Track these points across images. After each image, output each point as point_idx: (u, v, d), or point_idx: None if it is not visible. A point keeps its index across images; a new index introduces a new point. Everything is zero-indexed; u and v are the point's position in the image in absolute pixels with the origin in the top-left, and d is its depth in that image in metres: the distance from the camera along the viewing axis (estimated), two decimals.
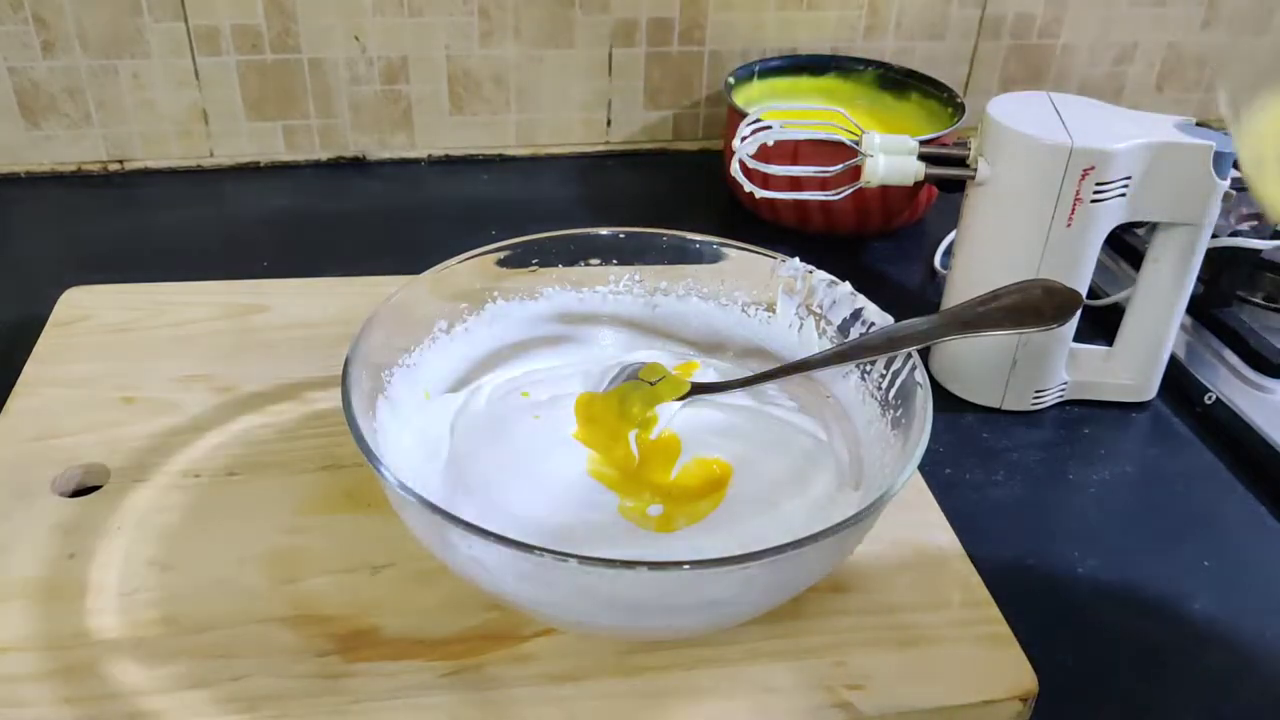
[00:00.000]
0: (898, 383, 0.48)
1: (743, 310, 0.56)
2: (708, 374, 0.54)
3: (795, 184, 0.64)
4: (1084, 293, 0.60)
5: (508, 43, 0.86)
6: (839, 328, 0.52)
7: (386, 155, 0.90)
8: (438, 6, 0.83)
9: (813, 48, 0.92)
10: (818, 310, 0.53)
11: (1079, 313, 0.60)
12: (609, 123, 0.92)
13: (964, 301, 0.49)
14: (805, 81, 0.89)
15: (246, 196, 0.84)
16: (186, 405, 0.56)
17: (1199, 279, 0.61)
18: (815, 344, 0.53)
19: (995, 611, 0.47)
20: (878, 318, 0.50)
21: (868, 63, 0.89)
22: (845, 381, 0.52)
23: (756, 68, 0.87)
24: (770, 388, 0.53)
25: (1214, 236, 0.60)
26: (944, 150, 0.61)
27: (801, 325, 0.54)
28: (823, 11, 0.91)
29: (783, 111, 0.80)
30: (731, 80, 0.84)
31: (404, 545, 0.47)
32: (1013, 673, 0.44)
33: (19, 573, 0.46)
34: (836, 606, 0.46)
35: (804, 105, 0.87)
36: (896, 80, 0.87)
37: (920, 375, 0.46)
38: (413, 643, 0.44)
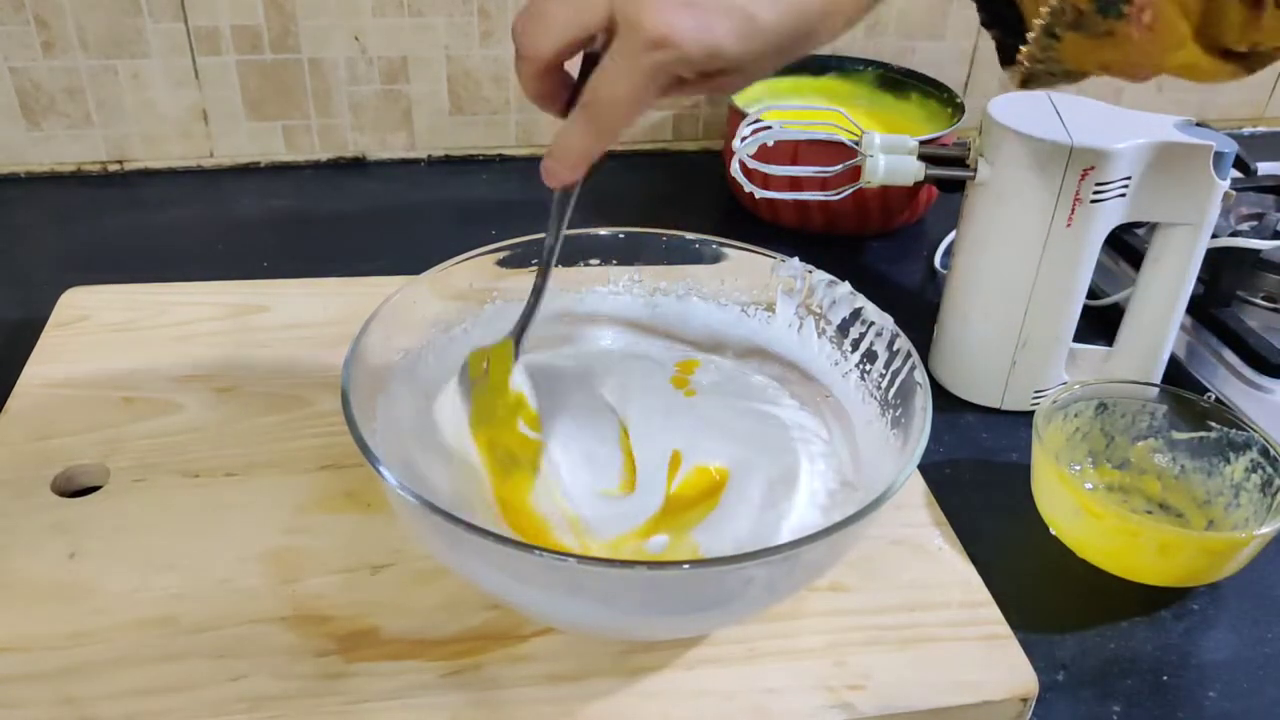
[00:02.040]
0: (897, 382, 0.48)
1: (742, 310, 0.56)
2: (708, 371, 0.54)
3: (795, 184, 0.64)
4: (1084, 293, 0.60)
5: (508, 42, 0.86)
6: (838, 327, 0.52)
7: (386, 155, 0.90)
8: (437, 6, 0.83)
9: None
10: (817, 310, 0.53)
11: (1079, 313, 0.60)
12: None
13: None
14: (805, 81, 0.89)
15: (246, 197, 0.84)
16: (187, 405, 0.56)
17: (1199, 279, 0.61)
18: (815, 343, 0.53)
19: (995, 612, 0.47)
20: (877, 317, 0.50)
21: (867, 63, 0.89)
22: (845, 381, 0.52)
23: None
24: (770, 387, 0.53)
25: (1214, 236, 0.60)
26: (944, 150, 0.61)
27: (801, 325, 0.54)
28: None
29: (783, 112, 0.80)
30: None
31: (404, 545, 0.47)
32: (1013, 673, 0.44)
33: (19, 573, 0.46)
34: (836, 606, 0.46)
35: (804, 105, 0.87)
36: (896, 80, 0.87)
37: (920, 375, 0.46)
38: (413, 643, 0.44)
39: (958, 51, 0.95)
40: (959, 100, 0.82)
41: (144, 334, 0.61)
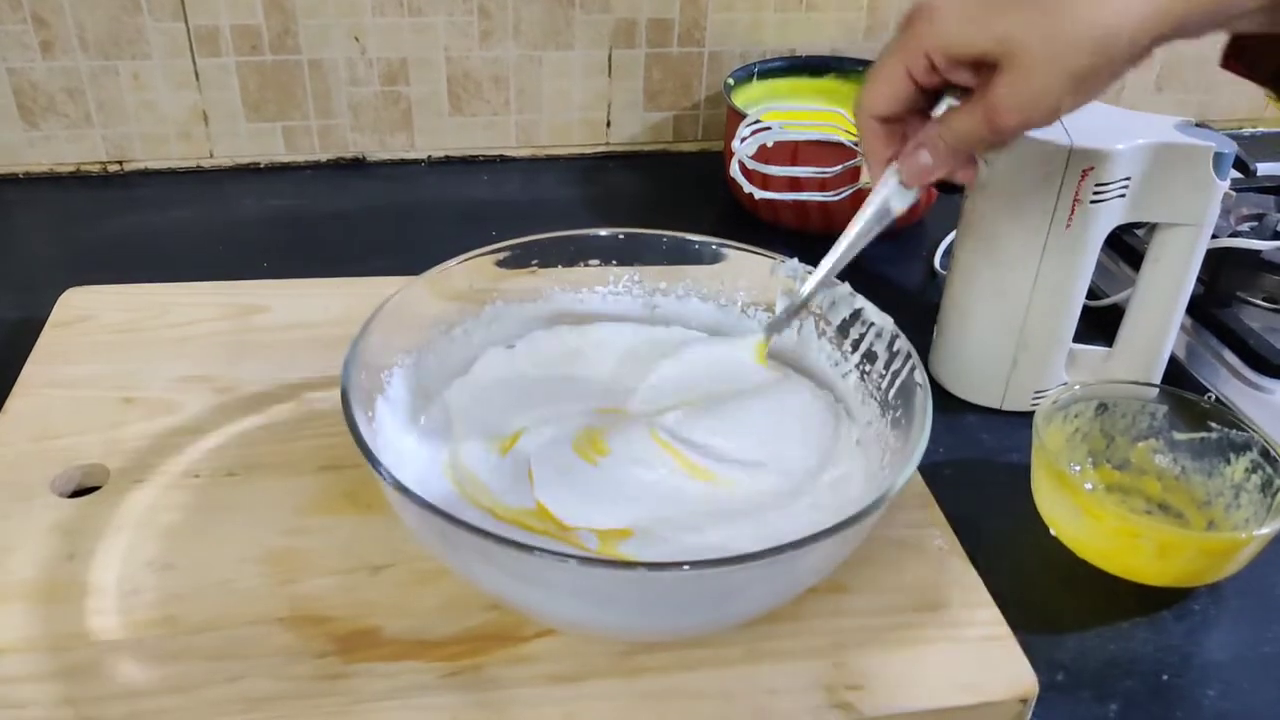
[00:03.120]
0: (897, 383, 0.48)
1: (742, 311, 0.56)
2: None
3: (794, 185, 0.64)
4: (1084, 294, 0.60)
5: (507, 43, 0.86)
6: (838, 328, 0.52)
7: (386, 156, 0.90)
8: (437, 7, 0.83)
9: (812, 49, 0.92)
10: (817, 311, 0.53)
11: (1079, 314, 0.60)
12: (609, 123, 0.92)
13: None
14: (804, 82, 0.89)
15: (246, 197, 0.84)
16: (186, 406, 0.56)
17: (1198, 279, 0.61)
18: (815, 344, 0.54)
19: (995, 612, 0.47)
20: (877, 318, 0.50)
21: (867, 63, 0.88)
22: (845, 382, 0.52)
23: (756, 69, 0.87)
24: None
25: (1213, 237, 0.60)
26: None
27: (801, 325, 0.54)
28: (822, 13, 0.91)
29: (782, 113, 0.80)
30: (731, 81, 0.84)
31: (404, 546, 0.47)
32: (1013, 673, 0.44)
33: (19, 574, 0.46)
34: (836, 606, 0.46)
35: (803, 106, 0.87)
36: None
37: (920, 375, 0.46)
38: (412, 643, 0.44)
39: None
40: None
41: (144, 334, 0.61)
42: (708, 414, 0.50)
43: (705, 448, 0.48)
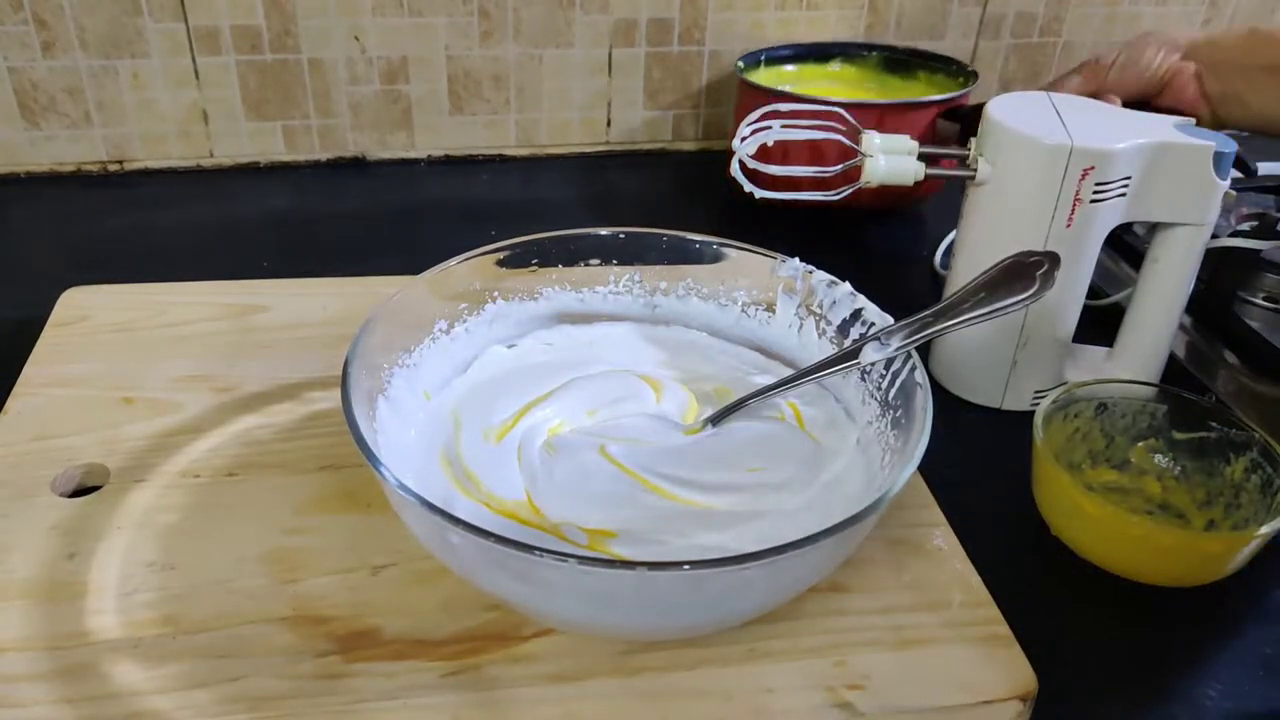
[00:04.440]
0: (898, 383, 0.48)
1: (742, 310, 0.56)
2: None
3: (795, 184, 0.64)
4: (1084, 294, 0.60)
5: (507, 42, 0.86)
6: (838, 328, 0.52)
7: (386, 155, 0.90)
8: (437, 6, 0.83)
9: None
10: (817, 310, 0.53)
11: (1079, 313, 0.60)
12: (609, 122, 0.92)
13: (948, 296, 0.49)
14: (811, 68, 0.89)
15: (246, 197, 0.84)
16: (186, 405, 0.56)
17: (1199, 279, 0.61)
18: (815, 344, 0.53)
19: (995, 611, 0.47)
20: (877, 318, 0.50)
21: (872, 47, 0.89)
22: (845, 381, 0.52)
23: (763, 55, 0.87)
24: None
25: (1214, 236, 0.60)
26: (944, 150, 0.61)
27: (801, 325, 0.54)
28: (823, 11, 0.91)
29: (782, 111, 0.80)
30: (741, 64, 0.84)
31: (404, 545, 0.47)
32: (1013, 673, 0.44)
33: (19, 573, 0.46)
34: (836, 606, 0.46)
35: (807, 105, 0.86)
36: (901, 61, 0.88)
37: (920, 375, 0.46)
38: (413, 643, 0.43)
39: (958, 51, 0.95)
40: (969, 69, 0.83)
41: (144, 334, 0.61)
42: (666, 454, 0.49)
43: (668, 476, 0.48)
